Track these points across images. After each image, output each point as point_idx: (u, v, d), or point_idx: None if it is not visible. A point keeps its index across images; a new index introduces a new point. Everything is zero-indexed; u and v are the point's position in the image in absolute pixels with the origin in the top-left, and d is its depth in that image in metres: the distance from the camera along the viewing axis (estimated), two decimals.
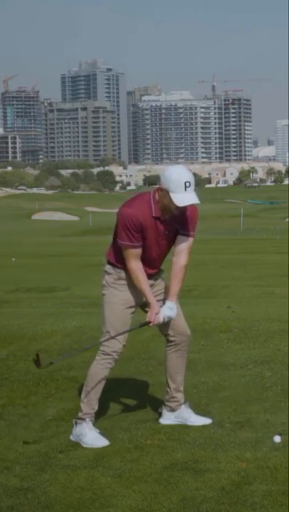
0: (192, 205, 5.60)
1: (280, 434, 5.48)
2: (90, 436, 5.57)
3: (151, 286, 5.79)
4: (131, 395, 6.76)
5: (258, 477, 4.77)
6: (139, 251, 5.60)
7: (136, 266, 5.61)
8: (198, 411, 6.12)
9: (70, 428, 5.81)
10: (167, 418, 5.98)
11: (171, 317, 5.76)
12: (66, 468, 5.03)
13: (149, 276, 5.75)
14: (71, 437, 5.66)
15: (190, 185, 5.47)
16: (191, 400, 6.42)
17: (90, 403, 5.70)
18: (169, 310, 5.74)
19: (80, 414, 5.71)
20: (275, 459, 5.09)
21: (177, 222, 5.66)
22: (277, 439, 5.42)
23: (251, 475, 4.81)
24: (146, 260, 5.69)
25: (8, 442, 5.58)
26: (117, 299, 5.71)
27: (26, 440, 5.57)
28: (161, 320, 5.71)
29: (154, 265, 5.77)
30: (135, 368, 7.70)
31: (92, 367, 5.75)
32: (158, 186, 5.63)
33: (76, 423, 5.69)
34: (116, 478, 4.83)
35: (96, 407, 5.74)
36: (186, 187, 5.45)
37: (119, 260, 5.70)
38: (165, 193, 5.49)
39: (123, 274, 5.71)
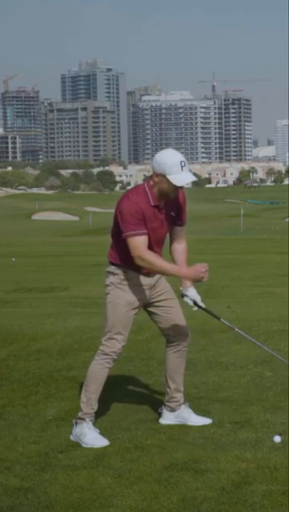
0: (182, 191, 5.68)
1: (280, 434, 5.48)
2: (89, 436, 5.56)
3: (154, 286, 5.78)
4: (131, 395, 6.76)
5: (258, 477, 4.77)
6: (146, 239, 5.55)
7: (148, 253, 5.52)
8: (198, 411, 6.12)
9: (70, 428, 5.81)
10: (167, 418, 5.98)
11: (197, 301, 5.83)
12: (66, 468, 5.03)
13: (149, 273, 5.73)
14: (71, 437, 5.66)
15: (185, 164, 5.54)
16: (191, 399, 6.42)
17: (89, 403, 5.70)
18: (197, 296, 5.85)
19: (79, 414, 5.71)
20: (275, 459, 5.09)
21: (172, 210, 5.69)
22: (277, 439, 5.42)
23: (251, 475, 4.81)
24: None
25: (8, 442, 5.58)
26: (121, 300, 5.68)
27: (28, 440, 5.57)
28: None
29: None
30: (135, 368, 7.70)
31: (91, 367, 5.75)
32: (151, 175, 5.64)
33: (76, 423, 5.69)
34: (116, 478, 4.83)
35: (96, 407, 5.74)
36: (182, 166, 5.50)
37: (122, 259, 5.67)
38: (161, 178, 5.50)
39: (128, 274, 5.68)
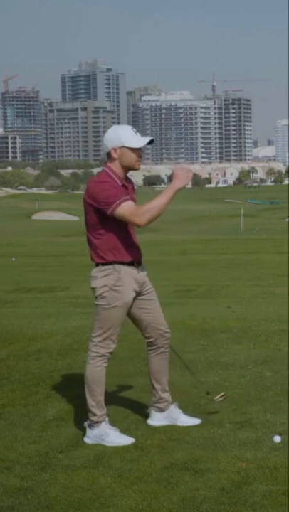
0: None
1: (280, 434, 5.48)
2: (112, 435, 5.52)
3: (144, 283, 5.69)
4: (131, 395, 6.75)
5: (258, 477, 4.77)
6: (132, 202, 5.48)
7: (142, 207, 5.44)
8: (199, 411, 6.12)
9: (70, 428, 5.81)
10: (156, 419, 5.89)
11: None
12: (66, 468, 5.03)
13: (139, 261, 5.66)
14: (87, 440, 5.56)
15: (136, 130, 5.61)
16: (191, 399, 6.42)
17: (100, 405, 5.62)
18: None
19: (94, 419, 5.59)
20: (275, 459, 5.08)
21: (134, 193, 5.66)
22: (277, 439, 5.42)
23: (251, 475, 4.81)
24: (129, 238, 5.58)
25: (8, 442, 5.57)
26: (119, 302, 5.58)
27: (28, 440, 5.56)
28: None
29: (136, 244, 5.67)
30: (135, 368, 7.69)
31: (90, 371, 5.63)
32: (105, 161, 5.61)
33: (91, 426, 5.59)
34: (116, 478, 4.83)
35: (105, 407, 5.69)
36: (134, 132, 5.57)
37: (111, 254, 5.54)
38: (121, 150, 5.51)
39: (122, 272, 5.54)
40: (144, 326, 5.81)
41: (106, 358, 5.66)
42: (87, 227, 5.61)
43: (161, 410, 5.91)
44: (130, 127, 5.62)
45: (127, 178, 5.65)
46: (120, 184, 5.53)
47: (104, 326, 5.62)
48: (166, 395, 5.94)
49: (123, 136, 5.52)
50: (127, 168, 5.59)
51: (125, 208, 5.43)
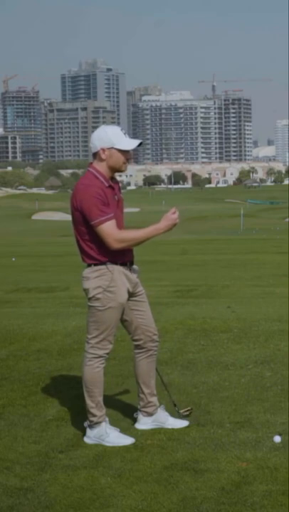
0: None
1: (280, 434, 5.48)
2: (112, 435, 5.51)
3: (136, 285, 5.66)
4: (131, 395, 6.75)
5: (258, 477, 4.77)
6: (114, 223, 5.44)
7: (122, 232, 5.44)
8: (199, 411, 6.11)
9: (70, 428, 5.81)
10: (144, 423, 5.84)
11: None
12: (66, 468, 5.03)
13: (132, 261, 5.63)
14: (87, 440, 5.55)
15: (125, 131, 5.60)
16: (191, 400, 6.42)
17: (99, 405, 5.59)
18: None
19: (94, 420, 5.56)
20: (275, 459, 5.08)
21: (119, 193, 5.65)
22: (277, 439, 5.42)
23: (251, 475, 4.81)
24: None
25: (8, 442, 5.57)
26: (114, 303, 5.52)
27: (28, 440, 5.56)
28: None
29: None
30: None
31: (88, 372, 5.59)
32: (91, 161, 5.61)
33: (92, 426, 5.57)
34: (116, 478, 4.83)
35: (104, 407, 5.68)
36: (124, 133, 5.55)
37: (105, 253, 5.48)
38: (109, 151, 5.48)
39: (115, 273, 5.50)
40: (134, 327, 5.75)
41: (104, 359, 5.63)
42: (76, 227, 5.55)
43: (149, 415, 5.85)
44: (119, 128, 5.60)
45: (113, 179, 5.61)
46: (107, 185, 5.50)
47: (100, 328, 5.57)
48: (155, 399, 5.88)
49: (114, 138, 5.49)
50: (114, 170, 5.55)
51: (106, 229, 5.40)
